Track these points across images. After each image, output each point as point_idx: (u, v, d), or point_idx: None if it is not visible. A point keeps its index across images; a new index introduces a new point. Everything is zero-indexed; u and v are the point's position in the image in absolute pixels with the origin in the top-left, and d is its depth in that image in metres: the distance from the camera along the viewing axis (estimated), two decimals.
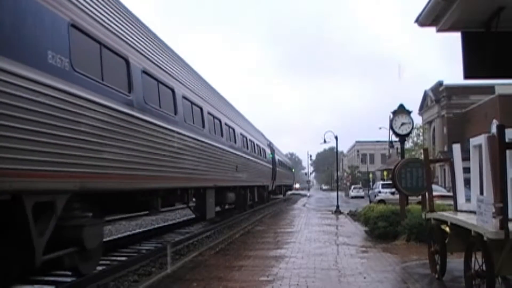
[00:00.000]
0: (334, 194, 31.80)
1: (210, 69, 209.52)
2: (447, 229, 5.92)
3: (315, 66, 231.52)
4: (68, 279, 6.58)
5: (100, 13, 6.35)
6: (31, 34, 4.77)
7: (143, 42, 7.99)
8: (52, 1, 5.15)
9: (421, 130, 48.26)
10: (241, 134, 17.21)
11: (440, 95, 43.52)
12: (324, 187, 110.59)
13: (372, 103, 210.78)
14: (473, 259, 4.78)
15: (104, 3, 6.59)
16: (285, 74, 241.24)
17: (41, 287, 6.35)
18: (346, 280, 6.31)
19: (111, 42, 6.60)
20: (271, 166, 26.28)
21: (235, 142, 15.83)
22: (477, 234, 4.46)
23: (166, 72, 9.04)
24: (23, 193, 4.64)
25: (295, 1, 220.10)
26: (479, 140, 5.34)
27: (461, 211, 6.06)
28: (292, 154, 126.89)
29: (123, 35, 7.08)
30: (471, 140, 5.69)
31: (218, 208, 16.96)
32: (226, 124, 14.45)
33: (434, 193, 7.25)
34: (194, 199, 12.20)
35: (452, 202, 6.76)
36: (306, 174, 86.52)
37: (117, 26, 6.91)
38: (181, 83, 9.96)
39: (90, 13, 6.02)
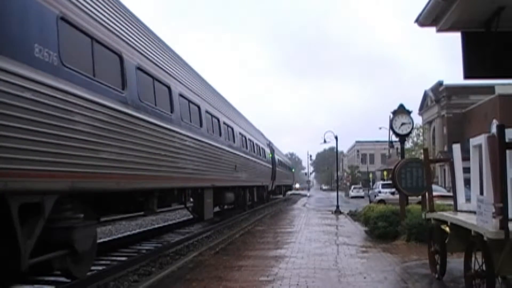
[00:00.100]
0: (334, 194, 31.79)
1: (210, 69, 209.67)
2: (447, 229, 5.91)
3: (315, 66, 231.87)
4: (68, 279, 6.58)
5: (92, 7, 6.13)
6: (17, 26, 4.56)
7: (137, 37, 7.78)
8: None
9: (421, 130, 48.27)
10: (240, 133, 17.00)
11: (440, 95, 43.51)
12: (324, 187, 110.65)
13: (372, 103, 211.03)
14: (473, 259, 4.78)
15: None
16: (285, 74, 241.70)
17: (41, 287, 6.35)
18: (346, 280, 6.31)
19: (104, 37, 6.37)
20: (270, 166, 26.18)
21: (234, 141, 15.64)
22: (477, 234, 4.46)
23: (162, 69, 8.83)
24: (7, 194, 4.42)
25: (295, 1, 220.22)
26: (479, 140, 5.34)
27: (461, 211, 6.05)
28: (292, 154, 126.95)
29: (117, 30, 6.85)
30: (471, 140, 5.69)
31: (217, 209, 16.96)
32: (224, 123, 14.27)
33: (434, 193, 7.25)
34: (191, 200, 12.06)
35: (452, 202, 6.75)
36: (306, 174, 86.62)
37: (110, 21, 6.68)
38: (177, 80, 9.75)
39: (81, 6, 5.80)
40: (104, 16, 6.48)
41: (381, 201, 20.90)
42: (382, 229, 10.62)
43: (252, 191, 21.21)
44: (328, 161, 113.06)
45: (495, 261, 4.30)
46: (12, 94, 4.39)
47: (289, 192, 52.96)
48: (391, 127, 14.72)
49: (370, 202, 25.71)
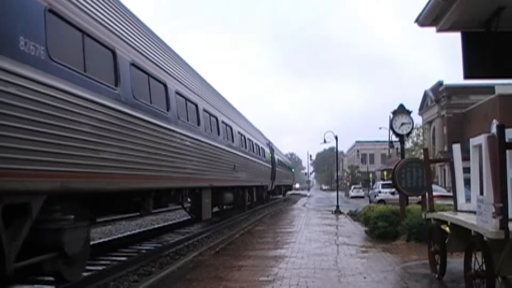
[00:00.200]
0: (334, 194, 31.79)
1: (210, 69, 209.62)
2: (447, 229, 5.92)
3: (315, 66, 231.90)
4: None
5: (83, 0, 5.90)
6: (0, 16, 4.35)
7: (132, 32, 7.54)
8: None
9: (421, 130, 48.28)
10: (239, 132, 16.81)
11: (440, 95, 43.52)
12: (324, 187, 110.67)
13: (372, 103, 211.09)
14: (473, 259, 4.78)
15: None
16: (285, 74, 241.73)
17: (41, 287, 6.34)
18: (346, 280, 6.31)
19: (95, 31, 6.12)
20: (270, 166, 26.10)
21: (233, 140, 15.46)
22: (477, 234, 4.46)
23: (158, 66, 8.60)
24: None
25: (295, 1, 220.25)
26: (479, 140, 5.34)
27: (461, 211, 6.05)
28: (292, 154, 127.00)
29: (109, 24, 6.61)
30: (471, 140, 5.68)
31: (216, 209, 16.91)
32: (223, 122, 14.08)
33: (434, 193, 7.25)
34: (189, 200, 11.81)
35: (452, 202, 6.76)
36: (306, 174, 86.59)
37: (103, 15, 6.44)
38: (174, 78, 9.53)
39: None
40: (96, 9, 6.26)
41: (381, 201, 20.91)
42: (382, 229, 10.62)
43: (251, 191, 21.07)
44: (328, 161, 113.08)
45: (495, 261, 4.30)
46: None
47: (289, 192, 52.93)
48: (391, 127, 14.72)
49: (370, 202, 25.71)
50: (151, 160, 7.65)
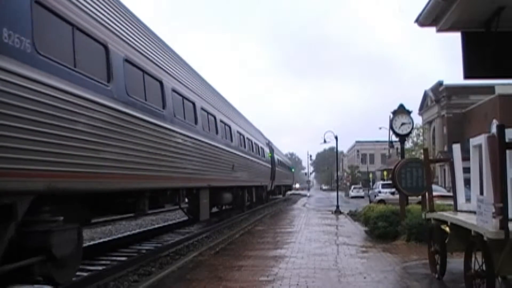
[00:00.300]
0: (334, 194, 31.80)
1: (210, 69, 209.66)
2: (447, 229, 5.92)
3: (315, 66, 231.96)
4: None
5: None
6: None
7: (126, 27, 7.28)
8: None
9: (421, 130, 48.30)
10: (238, 132, 16.57)
11: (440, 95, 43.53)
12: (324, 187, 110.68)
13: (372, 103, 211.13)
14: (473, 259, 4.78)
15: None
16: (285, 74, 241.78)
17: (41, 287, 6.33)
18: (346, 280, 6.31)
19: (86, 25, 5.87)
20: (270, 166, 25.98)
21: (231, 140, 15.21)
22: (477, 234, 4.46)
23: (153, 63, 8.34)
24: None
25: (295, 1, 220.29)
26: (479, 140, 5.34)
27: (461, 211, 6.05)
28: (292, 154, 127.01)
29: (102, 19, 6.37)
30: (471, 140, 5.69)
31: (215, 209, 16.86)
32: (221, 121, 13.83)
33: (434, 193, 7.25)
34: (186, 200, 11.50)
35: (452, 202, 6.76)
36: (306, 174, 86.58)
37: (94, 8, 6.21)
38: (170, 75, 9.28)
39: None
40: (87, 2, 6.03)
41: (381, 201, 20.91)
42: (382, 229, 10.62)
43: (250, 191, 20.90)
44: (328, 161, 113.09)
45: (495, 261, 4.30)
46: None
47: (289, 192, 52.93)
48: (391, 127, 14.72)
49: (370, 202, 25.71)
50: (145, 159, 7.42)
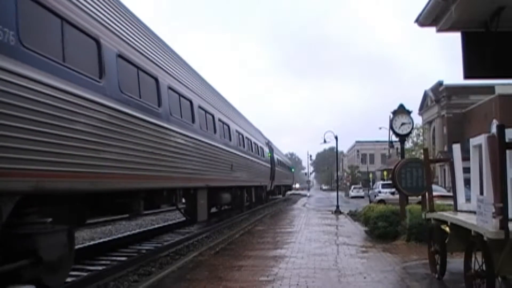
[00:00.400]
0: (334, 194, 31.80)
1: (210, 69, 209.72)
2: (447, 229, 5.92)
3: (315, 66, 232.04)
4: (69, 279, 6.58)
5: None
6: None
7: (119, 22, 7.04)
8: None
9: (421, 130, 48.30)
10: (236, 131, 16.30)
11: (440, 95, 43.53)
12: (324, 187, 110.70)
13: (372, 103, 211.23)
14: (473, 259, 4.78)
15: None
16: (285, 74, 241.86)
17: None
18: (346, 280, 6.31)
19: (77, 18, 5.63)
20: (269, 166, 25.84)
21: (230, 139, 14.96)
22: (477, 234, 4.46)
23: (149, 59, 8.08)
24: None
25: (295, 1, 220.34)
26: (479, 140, 5.34)
27: (461, 211, 6.05)
28: (292, 154, 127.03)
29: (93, 12, 6.14)
30: (471, 140, 5.69)
31: (214, 209, 16.78)
32: (220, 120, 13.54)
33: (434, 193, 7.25)
34: (184, 200, 11.25)
35: (452, 202, 6.76)
36: (306, 174, 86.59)
37: (86, 1, 5.98)
38: (166, 72, 9.02)
39: None
40: None
41: (381, 201, 20.91)
42: (382, 229, 10.62)
43: (250, 191, 20.73)
44: (328, 161, 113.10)
45: (495, 261, 4.30)
46: None
47: (289, 192, 52.93)
48: (391, 127, 14.73)
49: (370, 202, 25.71)
50: (139, 158, 7.19)
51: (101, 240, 10.94)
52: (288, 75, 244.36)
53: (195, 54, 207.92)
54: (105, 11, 6.57)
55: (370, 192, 34.99)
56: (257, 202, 24.22)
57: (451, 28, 5.66)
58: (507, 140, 4.32)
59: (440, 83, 43.52)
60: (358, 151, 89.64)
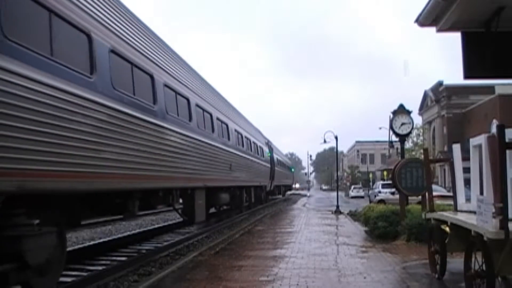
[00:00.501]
0: (334, 194, 31.81)
1: (210, 69, 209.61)
2: (447, 229, 5.92)
3: (315, 66, 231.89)
4: (69, 279, 6.59)
5: None
6: None
7: (112, 16, 6.82)
8: None
9: (421, 130, 48.32)
10: (235, 130, 16.12)
11: (440, 95, 43.55)
12: (324, 187, 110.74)
13: (372, 103, 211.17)
14: (473, 259, 4.78)
15: None
16: (285, 74, 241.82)
17: None
18: (346, 280, 6.31)
19: (66, 11, 5.42)
20: (269, 165, 25.75)
21: (229, 138, 14.76)
22: (477, 234, 4.46)
23: (143, 55, 7.86)
24: None
25: (295, 1, 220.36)
26: (479, 140, 5.34)
27: (461, 211, 6.05)
28: (292, 154, 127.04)
29: (83, 4, 5.91)
30: (471, 140, 5.69)
31: (213, 210, 16.71)
32: (218, 119, 13.31)
33: (434, 193, 7.25)
34: (181, 201, 10.98)
35: (452, 202, 6.76)
36: (306, 174, 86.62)
37: None
38: (162, 69, 8.79)
39: None
40: None
41: (381, 201, 20.91)
42: (382, 229, 10.62)
43: (249, 191, 20.58)
44: (328, 161, 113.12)
45: (495, 261, 4.30)
46: None
47: (289, 192, 52.92)
48: (391, 127, 14.73)
49: (370, 202, 25.71)
50: (134, 157, 6.97)
51: (101, 240, 10.94)
52: (288, 75, 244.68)
53: (195, 54, 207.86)
54: (96, 4, 6.35)
55: (370, 192, 34.99)
56: (256, 202, 24.12)
57: (451, 28, 5.66)
58: (507, 140, 4.32)
59: (440, 83, 43.54)
60: (358, 151, 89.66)
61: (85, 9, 5.93)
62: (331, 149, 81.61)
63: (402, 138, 13.61)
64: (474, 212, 4.74)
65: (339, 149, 46.18)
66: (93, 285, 6.32)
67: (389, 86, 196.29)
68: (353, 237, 11.35)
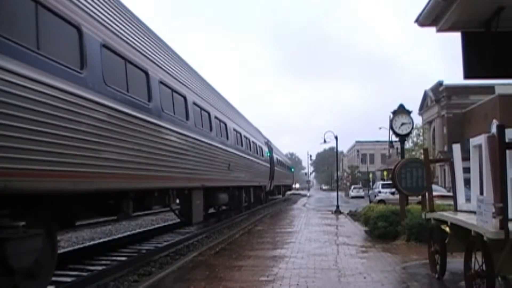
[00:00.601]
0: (334, 194, 31.81)
1: (210, 69, 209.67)
2: (447, 229, 5.92)
3: (315, 66, 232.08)
4: (68, 279, 6.59)
5: None
6: None
7: (104, 9, 6.59)
8: None
9: (421, 130, 48.30)
10: (234, 129, 15.91)
11: (440, 95, 43.54)
12: (324, 187, 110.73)
13: (372, 103, 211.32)
14: (473, 259, 4.78)
15: None
16: (285, 74, 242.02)
17: None
18: (346, 280, 6.31)
19: (53, 2, 5.20)
20: (268, 165, 25.61)
21: (227, 138, 14.56)
22: (477, 234, 4.46)
23: (138, 51, 7.63)
24: None
25: (295, 1, 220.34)
26: (479, 140, 5.34)
27: (461, 211, 6.05)
28: (292, 154, 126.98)
29: None
30: (471, 140, 5.69)
31: (212, 210, 16.65)
32: (216, 118, 13.09)
33: (434, 193, 7.26)
34: (178, 201, 10.71)
35: (452, 202, 6.76)
36: (306, 174, 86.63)
37: None
38: (158, 66, 8.57)
39: None
40: None
41: (381, 201, 20.90)
42: (382, 229, 10.62)
43: (248, 191, 20.41)
44: (328, 161, 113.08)
45: (495, 261, 4.30)
46: None
47: (289, 192, 52.89)
48: (391, 127, 14.72)
49: (370, 202, 25.71)
50: (128, 156, 6.76)
51: (101, 240, 10.94)
52: (288, 75, 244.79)
53: (195, 54, 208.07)
54: None
55: (370, 192, 34.99)
56: (256, 202, 24.02)
57: (451, 28, 5.66)
58: (507, 140, 4.32)
59: (440, 83, 43.53)
60: (358, 151, 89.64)
61: (75, 1, 5.70)
62: (331, 149, 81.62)
63: (402, 138, 13.61)
64: (474, 212, 4.75)
65: (339, 149, 46.14)
66: (93, 285, 6.32)
67: (389, 86, 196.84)
68: (353, 237, 11.35)
